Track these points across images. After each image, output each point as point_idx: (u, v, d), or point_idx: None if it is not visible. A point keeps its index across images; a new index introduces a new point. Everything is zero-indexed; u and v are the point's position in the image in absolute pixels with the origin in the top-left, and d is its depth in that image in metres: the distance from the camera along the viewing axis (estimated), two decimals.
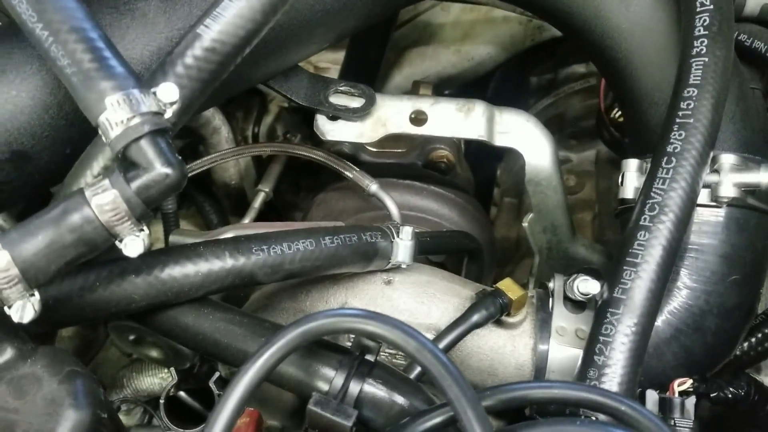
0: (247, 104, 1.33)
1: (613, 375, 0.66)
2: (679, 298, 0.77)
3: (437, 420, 0.51)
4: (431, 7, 1.49)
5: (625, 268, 0.69)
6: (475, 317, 0.73)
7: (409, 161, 1.10)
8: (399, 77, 1.50)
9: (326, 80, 0.85)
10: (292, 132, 1.15)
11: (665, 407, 0.70)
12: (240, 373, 0.50)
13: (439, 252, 0.90)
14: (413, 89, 1.24)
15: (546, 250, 0.93)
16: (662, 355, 0.76)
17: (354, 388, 0.56)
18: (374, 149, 1.08)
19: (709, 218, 0.77)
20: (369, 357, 0.57)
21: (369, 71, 1.41)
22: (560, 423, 0.50)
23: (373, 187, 0.90)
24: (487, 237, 1.01)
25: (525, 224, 0.90)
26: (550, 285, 0.80)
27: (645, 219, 0.70)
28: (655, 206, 0.70)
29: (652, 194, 0.71)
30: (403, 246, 0.75)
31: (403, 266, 0.76)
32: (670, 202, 0.70)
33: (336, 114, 0.84)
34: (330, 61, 1.46)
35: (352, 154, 1.07)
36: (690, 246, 0.77)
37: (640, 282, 0.68)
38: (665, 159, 0.71)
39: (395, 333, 0.51)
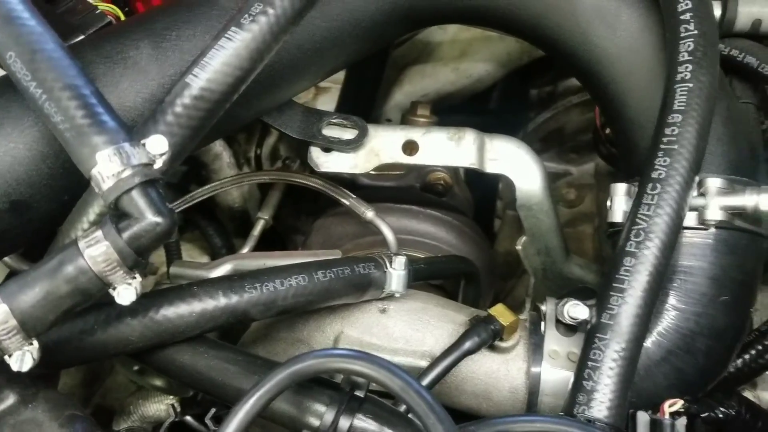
0: (250, 127, 1.35)
1: (602, 399, 0.68)
2: (668, 320, 0.78)
3: None
4: None
5: (611, 293, 0.70)
6: (468, 344, 0.74)
7: (407, 184, 1.12)
8: (399, 95, 1.52)
9: (319, 113, 0.87)
10: (292, 157, 1.18)
11: (656, 428, 0.71)
12: (232, 413, 0.52)
13: (435, 277, 0.92)
14: (411, 109, 1.26)
15: (541, 271, 0.95)
16: (653, 377, 0.77)
17: (344, 423, 0.58)
18: (372, 172, 1.10)
19: (697, 241, 0.78)
20: (359, 393, 0.59)
21: (368, 90, 1.44)
22: None
23: (369, 214, 0.92)
24: (485, 259, 1.03)
25: (519, 247, 0.91)
26: (543, 308, 0.82)
27: (631, 245, 0.71)
28: (641, 232, 0.71)
29: (638, 220, 0.72)
30: (396, 276, 0.77)
31: (397, 295, 0.78)
32: (655, 228, 0.71)
33: (329, 146, 0.86)
34: (331, 81, 1.48)
35: (351, 178, 1.09)
36: (679, 268, 0.78)
37: (626, 307, 0.69)
38: (650, 185, 0.72)
39: (381, 372, 0.52)
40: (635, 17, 0.85)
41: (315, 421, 0.58)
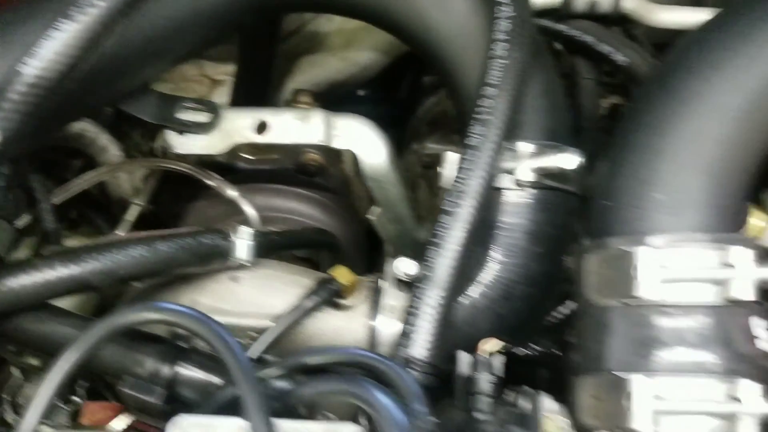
0: (143, 121, 1.40)
1: (421, 342, 0.75)
2: (492, 272, 0.86)
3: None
4: (316, 17, 1.57)
5: (430, 248, 0.78)
6: (308, 303, 0.82)
7: (282, 166, 1.18)
8: (292, 84, 1.58)
9: (174, 98, 0.93)
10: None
11: (475, 366, 0.80)
12: (53, 363, 0.58)
13: (288, 248, 0.99)
14: (294, 97, 1.33)
15: (395, 239, 1.02)
16: (478, 324, 0.85)
17: (166, 371, 0.64)
18: (250, 158, 1.16)
19: (515, 200, 0.86)
20: (182, 344, 0.66)
21: (260, 82, 1.49)
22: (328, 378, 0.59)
23: (232, 193, 0.98)
24: (351, 232, 1.10)
25: (372, 217, 0.99)
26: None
27: (447, 205, 0.79)
28: (456, 194, 0.79)
29: (455, 184, 0.80)
30: (241, 245, 0.84)
31: (245, 264, 0.85)
32: (468, 189, 0.79)
33: (184, 129, 0.92)
34: (227, 74, 1.53)
35: (229, 163, 1.15)
36: (502, 225, 0.87)
37: (442, 260, 0.77)
38: (468, 152, 0.80)
39: (181, 317, 0.59)
40: (464, 1, 0.94)
41: (140, 370, 0.65)
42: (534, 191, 0.87)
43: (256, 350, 0.76)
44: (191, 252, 0.79)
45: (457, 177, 0.80)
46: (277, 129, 0.92)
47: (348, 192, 1.23)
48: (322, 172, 1.19)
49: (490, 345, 0.80)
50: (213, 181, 1.00)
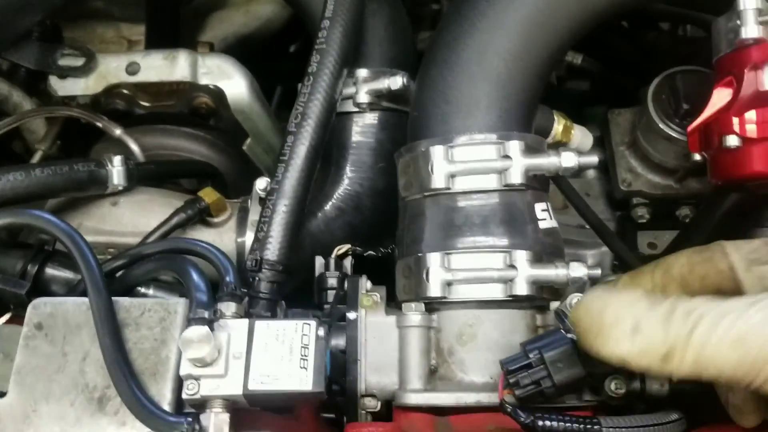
0: None
1: (272, 245, 0.86)
2: (342, 186, 0.98)
3: None
4: None
5: (278, 164, 0.88)
6: (175, 219, 0.93)
7: (177, 111, 1.28)
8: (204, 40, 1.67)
9: (54, 47, 1.03)
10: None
11: (327, 267, 0.92)
12: None
13: (165, 177, 1.09)
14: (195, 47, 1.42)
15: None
16: (332, 232, 0.98)
17: (32, 269, 0.76)
18: (147, 104, 1.26)
19: (361, 122, 0.98)
20: (47, 247, 0.77)
21: (168, 39, 1.57)
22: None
23: (118, 131, 1.09)
24: (234, 165, 1.20)
25: (244, 148, 1.10)
26: None
27: (292, 126, 0.89)
28: (298, 115, 0.90)
29: (297, 107, 0.90)
30: (116, 172, 0.94)
31: (120, 188, 0.95)
32: (308, 111, 0.89)
33: (64, 73, 1.02)
34: (143, 34, 1.61)
35: (127, 110, 1.25)
36: (351, 144, 0.99)
37: (288, 174, 0.87)
38: (306, 78, 0.91)
39: (38, 220, 0.70)
40: None
41: (10, 269, 0.76)
42: (377, 113, 0.98)
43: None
44: (67, 178, 0.89)
45: (297, 101, 0.90)
46: (147, 69, 1.02)
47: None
48: (214, 114, 1.29)
49: (343, 250, 0.93)
50: (101, 123, 1.10)
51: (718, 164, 0.82)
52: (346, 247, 0.94)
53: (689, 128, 0.84)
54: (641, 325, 0.53)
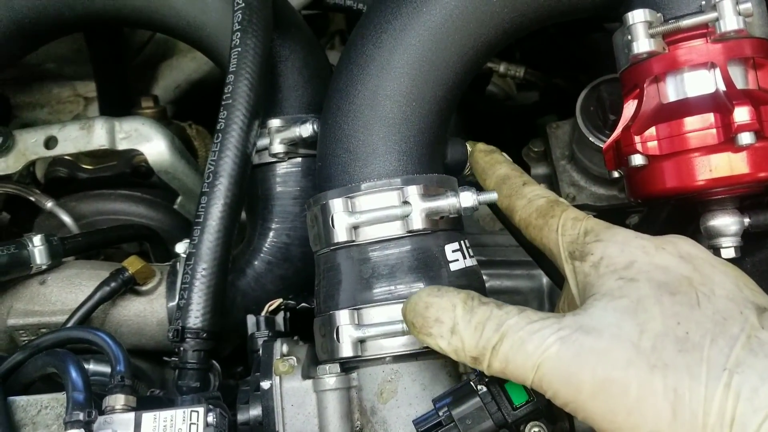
0: None
1: (194, 312, 0.84)
2: (269, 238, 0.96)
3: None
4: None
5: (194, 227, 0.86)
6: (98, 295, 0.91)
7: (119, 171, 1.27)
8: (158, 90, 1.67)
9: None
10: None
11: (261, 325, 0.90)
12: None
13: (95, 247, 1.07)
14: (135, 104, 1.42)
15: None
16: (264, 287, 0.95)
17: None
18: (90, 167, 1.25)
19: (281, 171, 0.96)
20: None
21: (119, 93, 1.57)
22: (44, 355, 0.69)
23: (49, 204, 1.08)
24: (177, 224, 1.19)
25: (176, 206, 1.08)
26: None
27: (204, 186, 0.87)
28: (210, 175, 0.87)
29: (208, 166, 0.88)
30: (38, 251, 0.93)
31: (44, 267, 0.94)
32: (220, 169, 0.86)
33: None
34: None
35: (70, 176, 1.24)
36: (275, 195, 0.96)
37: (204, 237, 0.85)
38: (216, 136, 0.89)
39: None
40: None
41: None
42: (295, 161, 0.96)
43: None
44: None
45: (209, 159, 0.88)
46: (64, 142, 1.01)
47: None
48: (153, 172, 1.28)
49: (275, 305, 0.90)
50: (33, 197, 1.09)
51: (632, 182, 0.79)
52: (277, 302, 0.92)
53: (604, 147, 0.81)
54: (458, 328, 0.60)
